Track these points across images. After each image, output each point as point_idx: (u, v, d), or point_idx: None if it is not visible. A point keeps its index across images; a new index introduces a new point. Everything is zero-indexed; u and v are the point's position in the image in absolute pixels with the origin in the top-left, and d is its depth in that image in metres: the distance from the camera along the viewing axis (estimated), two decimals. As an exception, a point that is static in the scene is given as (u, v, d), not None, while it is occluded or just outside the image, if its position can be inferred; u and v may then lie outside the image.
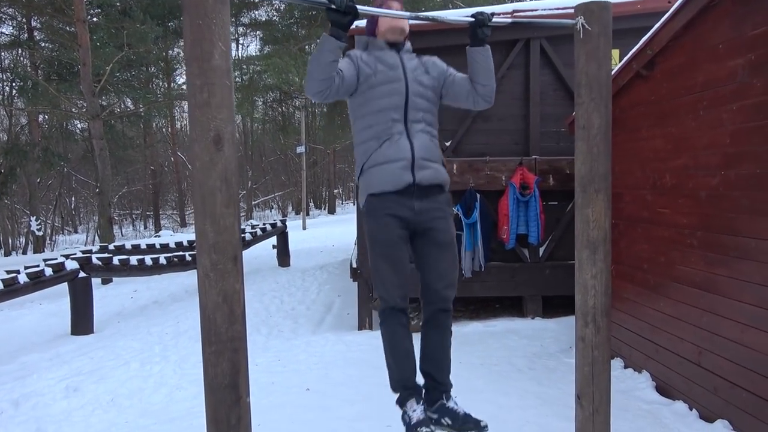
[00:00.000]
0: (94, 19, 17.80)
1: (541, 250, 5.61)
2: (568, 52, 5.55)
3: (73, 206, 29.45)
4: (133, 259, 7.66)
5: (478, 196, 5.46)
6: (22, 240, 22.02)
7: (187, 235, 14.51)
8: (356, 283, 5.75)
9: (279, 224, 11.09)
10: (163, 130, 26.90)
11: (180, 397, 4.26)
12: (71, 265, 6.71)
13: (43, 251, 18.69)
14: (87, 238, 24.09)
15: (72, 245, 21.55)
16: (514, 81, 5.58)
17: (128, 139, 21.21)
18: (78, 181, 27.28)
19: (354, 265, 5.75)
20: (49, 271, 6.47)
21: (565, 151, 5.36)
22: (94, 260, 6.98)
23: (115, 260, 7.37)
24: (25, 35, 17.74)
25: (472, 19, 2.45)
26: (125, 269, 7.53)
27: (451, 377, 3.77)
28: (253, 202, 29.46)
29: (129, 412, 4.05)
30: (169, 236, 16.80)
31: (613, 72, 4.01)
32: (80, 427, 3.86)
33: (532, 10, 5.26)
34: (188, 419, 3.74)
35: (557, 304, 5.79)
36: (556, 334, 5.21)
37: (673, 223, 3.49)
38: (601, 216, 2.51)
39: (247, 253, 12.11)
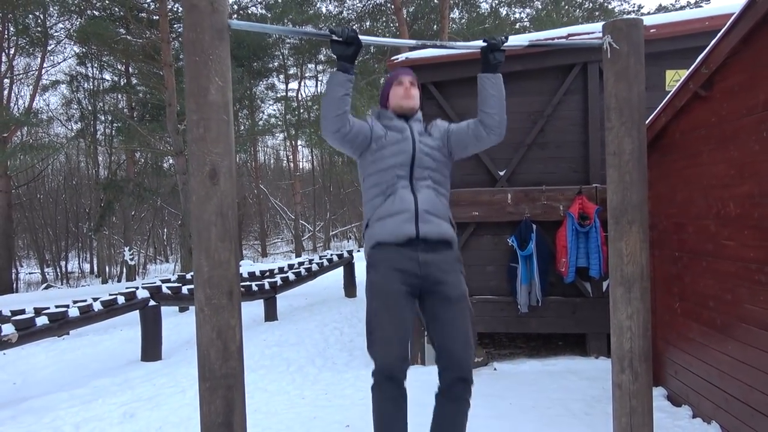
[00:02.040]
0: (181, 63, 19.12)
1: (605, 284, 5.25)
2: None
3: (165, 237, 31.23)
4: (202, 289, 7.92)
5: (534, 227, 5.22)
6: (118, 269, 23.53)
7: (266, 265, 14.93)
8: (408, 316, 5.61)
9: (346, 255, 11.16)
10: (247, 164, 28.12)
11: (223, 428, 4.28)
12: (142, 294, 7.05)
13: (135, 279, 19.90)
14: (175, 268, 25.41)
15: (161, 274, 22.85)
16: (572, 106, 5.35)
17: (213, 173, 22.32)
18: (170, 213, 29.00)
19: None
20: (121, 300, 6.82)
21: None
22: (164, 289, 7.29)
23: (184, 290, 7.67)
24: (124, 80, 19.32)
25: (484, 44, 2.34)
26: (193, 299, 7.79)
27: (499, 419, 3.50)
28: (331, 233, 30.00)
29: (173, 441, 4.11)
30: (248, 266, 17.40)
31: (670, 93, 3.74)
32: (126, 455, 3.95)
33: (588, 33, 5.04)
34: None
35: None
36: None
37: (739, 256, 3.13)
38: (636, 249, 2.29)
39: (315, 284, 12.30)
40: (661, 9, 18.27)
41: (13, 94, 20.03)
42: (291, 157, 27.21)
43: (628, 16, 2.35)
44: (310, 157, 31.57)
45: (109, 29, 14.45)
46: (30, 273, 25.14)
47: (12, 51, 18.62)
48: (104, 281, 22.07)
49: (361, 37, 2.11)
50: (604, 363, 5.17)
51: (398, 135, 2.43)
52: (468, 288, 5.44)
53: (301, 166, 31.51)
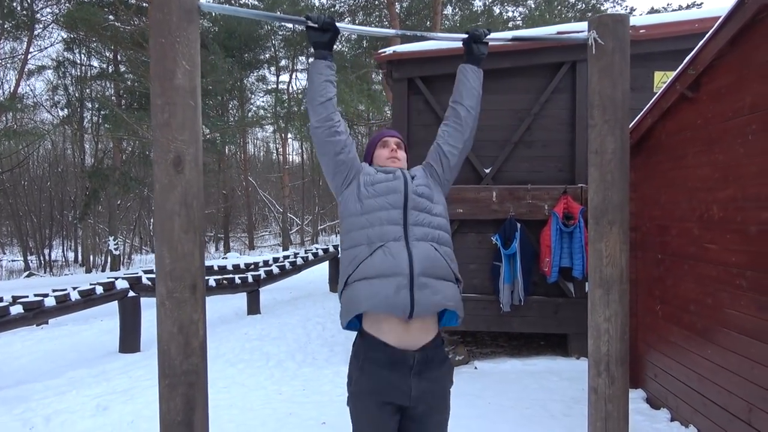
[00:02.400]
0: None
1: (588, 285, 5.21)
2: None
3: (151, 227, 30.94)
4: (183, 281, 7.82)
5: (519, 225, 5.17)
6: (102, 258, 23.28)
7: (252, 258, 14.80)
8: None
9: (332, 249, 11.08)
10: (236, 156, 27.93)
11: (197, 423, 4.20)
12: (122, 284, 6.93)
13: (119, 269, 19.69)
14: (161, 258, 25.15)
15: (146, 264, 22.62)
16: (560, 105, 5.30)
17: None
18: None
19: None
20: (100, 290, 6.70)
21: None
22: (144, 280, 7.18)
23: (165, 281, 7.54)
24: (112, 67, 19.05)
25: (466, 35, 2.27)
26: (174, 290, 7.69)
27: (477, 419, 3.35)
28: (319, 227, 29.89)
29: (143, 436, 4.03)
30: (235, 258, 17.26)
31: (657, 94, 3.70)
32: (94, 449, 3.86)
33: (578, 31, 4.98)
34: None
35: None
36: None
37: (721, 260, 3.10)
38: (615, 251, 2.23)
39: (300, 278, 12.22)
40: (653, 12, 18.30)
41: (-2, 79, 19.73)
42: (280, 149, 27.04)
43: (615, 11, 2.29)
44: (300, 150, 31.40)
45: (98, 15, 14.22)
46: (13, 260, 24.83)
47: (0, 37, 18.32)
48: (88, 270, 21.83)
49: (338, 24, 2.03)
50: (584, 364, 5.14)
51: (390, 175, 2.12)
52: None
53: (290, 159, 31.36)
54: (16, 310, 5.86)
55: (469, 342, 6.21)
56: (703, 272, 3.30)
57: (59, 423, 4.51)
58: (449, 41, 2.44)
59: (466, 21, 17.55)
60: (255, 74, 24.68)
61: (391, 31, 2.24)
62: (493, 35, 2.28)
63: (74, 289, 6.81)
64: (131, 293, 6.95)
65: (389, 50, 5.26)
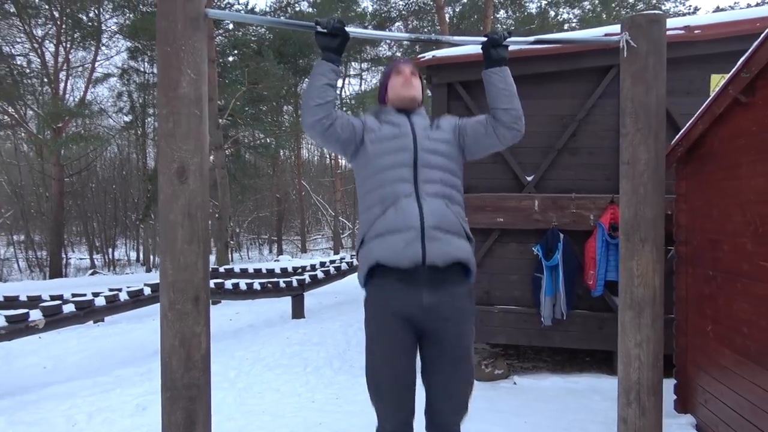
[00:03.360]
0: (230, 59, 19.43)
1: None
2: (671, 79, 4.95)
3: (210, 230, 31.87)
4: (228, 284, 7.96)
5: (562, 236, 4.95)
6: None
7: (303, 261, 14.98)
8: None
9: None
10: (290, 160, 28.42)
11: (227, 427, 4.22)
12: (169, 286, 7.10)
13: (176, 270, 20.33)
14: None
15: (202, 265, 23.31)
16: (607, 111, 5.05)
17: (255, 168, 22.65)
18: (214, 206, 29.60)
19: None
20: (147, 291, 6.90)
21: (667, 188, 4.70)
22: (190, 282, 7.33)
23: (211, 283, 7.69)
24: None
25: (484, 39, 2.15)
26: (220, 293, 7.84)
27: None
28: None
29: (174, 438, 4.07)
30: (287, 261, 17.53)
31: (708, 99, 3.44)
32: (127, 449, 3.93)
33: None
34: (224, 454, 3.67)
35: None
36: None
37: (777, 280, 2.83)
38: (648, 270, 2.06)
39: (347, 282, 12.22)
40: (718, 11, 17.38)
41: (68, 86, 20.83)
42: (333, 154, 27.30)
43: (651, 11, 2.12)
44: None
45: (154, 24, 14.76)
46: (81, 259, 26.09)
47: (69, 45, 19.34)
48: (148, 270, 22.69)
49: (347, 28, 1.96)
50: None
51: (395, 129, 2.09)
52: (490, 296, 5.17)
53: (342, 164, 31.62)
54: (69, 308, 6.10)
55: (511, 355, 6.01)
56: (758, 292, 3.03)
57: (100, 421, 4.63)
58: (471, 45, 2.32)
59: (520, 24, 17.19)
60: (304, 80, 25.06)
61: (404, 35, 2.15)
62: (513, 38, 2.15)
63: (121, 289, 7.04)
64: (177, 295, 7.11)
65: (428, 55, 5.16)
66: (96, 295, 6.67)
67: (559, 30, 16.50)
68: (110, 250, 25.31)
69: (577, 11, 17.37)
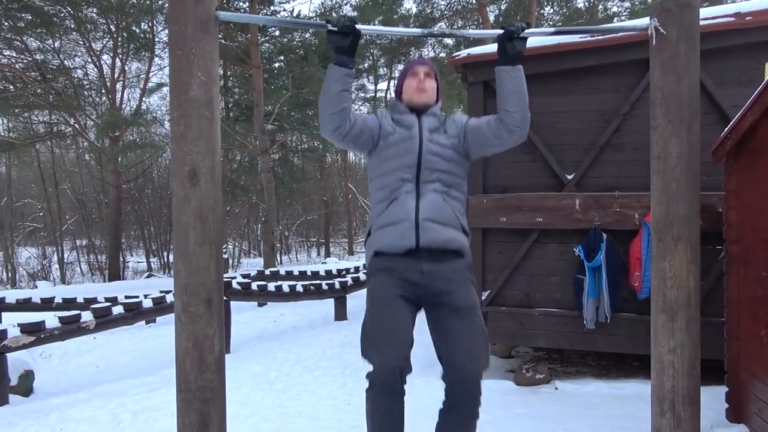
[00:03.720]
0: (276, 64, 19.76)
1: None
2: (722, 70, 4.70)
3: (259, 233, 32.55)
4: (271, 286, 8.07)
5: (605, 236, 4.76)
6: (213, 261, 24.75)
7: (348, 264, 15.07)
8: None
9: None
10: (336, 163, 28.68)
11: (264, 429, 4.25)
12: (213, 288, 7.26)
13: (227, 272, 20.88)
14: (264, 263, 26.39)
15: (253, 267, 23.84)
16: (653, 104, 4.82)
17: (303, 171, 22.96)
18: (261, 211, 30.19)
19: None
20: (193, 293, 7.07)
21: (716, 184, 4.45)
22: (234, 285, 7.47)
23: (254, 286, 7.82)
24: (221, 82, 20.30)
25: (501, 31, 2.07)
26: (263, 295, 7.96)
27: None
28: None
29: (211, 439, 4.13)
30: (333, 263, 17.67)
31: (758, 89, 3.24)
32: (166, 448, 4.02)
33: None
34: (258, 455, 3.70)
35: (707, 369, 4.78)
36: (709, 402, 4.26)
37: (835, 282, 2.62)
38: (681, 272, 1.94)
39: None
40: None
41: (125, 96, 21.71)
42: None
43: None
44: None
45: (206, 34, 15.18)
46: (138, 262, 27.10)
47: (124, 57, 20.15)
48: (200, 272, 23.30)
49: (359, 26, 1.93)
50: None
51: (406, 132, 2.23)
52: (530, 299, 5.09)
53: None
54: (117, 310, 6.31)
55: (554, 359, 5.83)
56: (815, 295, 2.81)
57: (144, 419, 4.76)
58: (484, 37, 2.28)
59: (567, 20, 16.76)
60: (355, 83, 25.21)
61: (417, 31, 2.10)
62: (532, 30, 2.06)
63: (169, 292, 7.25)
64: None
65: (463, 53, 5.07)
66: (145, 297, 6.89)
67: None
68: (165, 253, 26.17)
69: (627, 4, 16.80)
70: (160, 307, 6.78)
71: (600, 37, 4.71)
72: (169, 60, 1.87)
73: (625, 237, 4.80)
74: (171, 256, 26.64)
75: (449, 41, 19.66)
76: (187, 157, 1.81)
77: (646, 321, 4.82)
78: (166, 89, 21.16)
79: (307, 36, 19.95)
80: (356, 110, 2.30)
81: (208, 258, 1.83)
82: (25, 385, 5.68)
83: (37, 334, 5.51)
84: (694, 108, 1.94)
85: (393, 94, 2.48)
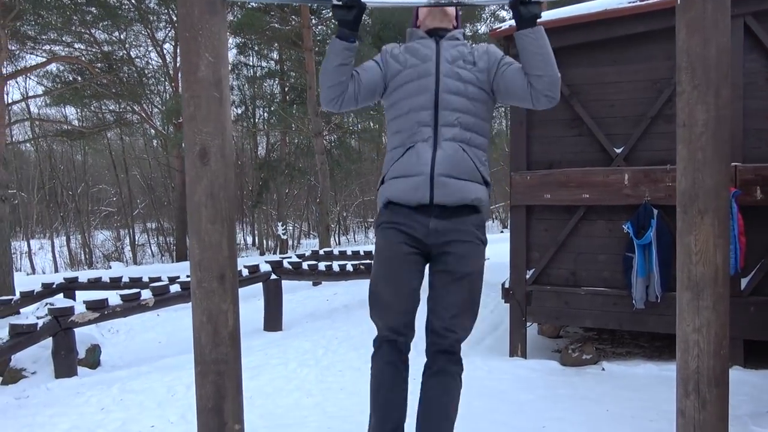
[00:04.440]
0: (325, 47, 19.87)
1: (744, 281, 4.44)
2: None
3: (316, 213, 33.12)
4: (322, 265, 8.22)
5: (656, 212, 4.55)
6: (273, 242, 25.50)
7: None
8: (509, 304, 5.26)
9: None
10: (393, 144, 28.63)
11: (305, 404, 4.37)
12: (265, 267, 7.47)
13: (286, 252, 21.41)
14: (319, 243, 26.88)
15: (310, 248, 24.35)
16: (709, 71, 4.53)
17: (358, 153, 23.11)
18: (316, 191, 30.63)
19: (506, 285, 5.28)
20: (245, 272, 7.30)
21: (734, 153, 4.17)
22: (285, 264, 7.66)
23: (305, 265, 7.99)
24: (277, 67, 20.64)
25: (512, -3, 1.98)
26: (313, 274, 8.12)
27: (585, 426, 3.25)
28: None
29: (253, 411, 4.28)
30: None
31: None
32: (212, 419, 4.20)
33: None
34: (297, 428, 3.81)
35: (766, 352, 4.52)
36: (756, 390, 4.04)
37: None
38: (709, 246, 1.84)
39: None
40: None
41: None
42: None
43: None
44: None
45: (261, 19, 15.42)
46: (204, 243, 28.17)
47: (185, 44, 20.77)
48: (262, 253, 24.06)
49: (366, -1, 1.90)
50: (738, 374, 4.39)
51: (420, 67, 2.08)
52: (576, 277, 4.95)
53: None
54: (175, 288, 6.61)
55: (604, 340, 5.66)
56: None
57: (194, 392, 4.99)
58: (494, 3, 2.19)
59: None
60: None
61: (423, 1, 2.04)
62: None
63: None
64: (273, 276, 7.46)
65: (505, 25, 4.91)
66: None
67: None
68: (230, 235, 27.08)
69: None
70: (215, 285, 7.04)
71: (650, 1, 4.46)
72: (179, 43, 1.91)
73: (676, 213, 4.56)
74: (237, 238, 27.56)
75: (505, 14, 19.11)
76: (197, 137, 1.85)
77: (700, 301, 4.60)
78: (224, 75, 21.70)
79: (364, 17, 19.90)
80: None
81: (220, 235, 1.88)
82: (92, 359, 6.05)
83: (101, 310, 5.86)
84: (722, 72, 1.81)
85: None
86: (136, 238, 26.15)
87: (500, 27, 4.96)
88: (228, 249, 1.91)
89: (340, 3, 1.90)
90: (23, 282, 12.53)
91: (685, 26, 1.85)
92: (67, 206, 26.01)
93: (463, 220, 2.06)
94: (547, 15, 4.72)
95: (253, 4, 15.90)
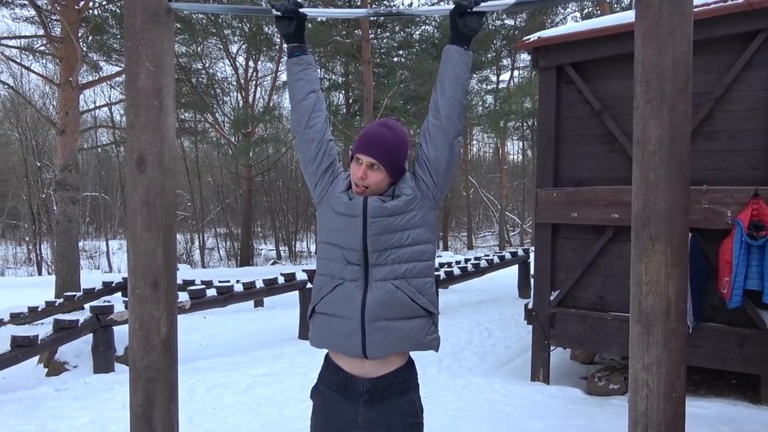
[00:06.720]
0: (395, 59, 20.02)
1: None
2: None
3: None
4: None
5: (690, 235, 4.20)
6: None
7: (459, 257, 14.89)
8: (531, 326, 5.04)
9: (521, 253, 10.52)
10: (459, 155, 28.40)
11: (309, 415, 4.33)
12: (301, 276, 7.56)
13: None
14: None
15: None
16: (753, 86, 4.15)
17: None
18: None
19: (529, 306, 5.05)
20: (281, 280, 7.41)
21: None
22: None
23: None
24: (342, 79, 21.01)
25: (452, 6, 1.87)
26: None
27: None
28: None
29: (258, 419, 4.31)
30: (449, 257, 17.58)
31: None
32: (215, 423, 4.26)
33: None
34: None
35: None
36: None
37: None
38: (660, 276, 1.68)
39: (493, 281, 11.85)
40: None
41: (257, 94, 23.29)
42: (499, 149, 26.71)
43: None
44: (521, 150, 30.62)
45: (323, 32, 15.77)
46: (270, 250, 29.05)
47: (257, 56, 21.60)
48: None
49: (303, 9, 1.86)
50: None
51: (349, 209, 1.85)
52: (604, 301, 4.70)
53: (510, 158, 30.75)
54: (211, 293, 6.80)
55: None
56: None
57: (214, 395, 5.09)
58: (438, 14, 2.06)
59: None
60: (478, 75, 24.69)
61: (362, 12, 1.98)
62: (487, 3, 1.83)
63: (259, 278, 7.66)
64: (309, 285, 7.52)
65: (534, 36, 4.74)
66: (237, 282, 7.36)
67: None
68: (293, 242, 27.74)
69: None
70: (250, 292, 7.19)
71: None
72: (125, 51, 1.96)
73: (714, 237, 4.22)
74: (298, 245, 28.18)
75: (576, 12, 18.53)
76: (135, 145, 1.88)
77: (739, 334, 4.22)
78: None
79: (429, 28, 19.93)
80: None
81: (155, 243, 1.89)
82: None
83: (137, 310, 6.10)
84: (678, 84, 1.63)
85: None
86: (206, 242, 27.26)
87: (528, 39, 4.79)
88: (164, 257, 1.92)
89: (281, 14, 1.86)
90: (88, 280, 13.32)
91: (641, 35, 1.69)
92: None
93: (395, 409, 1.84)
94: (577, 27, 4.53)
95: (201, 15, 16.27)
